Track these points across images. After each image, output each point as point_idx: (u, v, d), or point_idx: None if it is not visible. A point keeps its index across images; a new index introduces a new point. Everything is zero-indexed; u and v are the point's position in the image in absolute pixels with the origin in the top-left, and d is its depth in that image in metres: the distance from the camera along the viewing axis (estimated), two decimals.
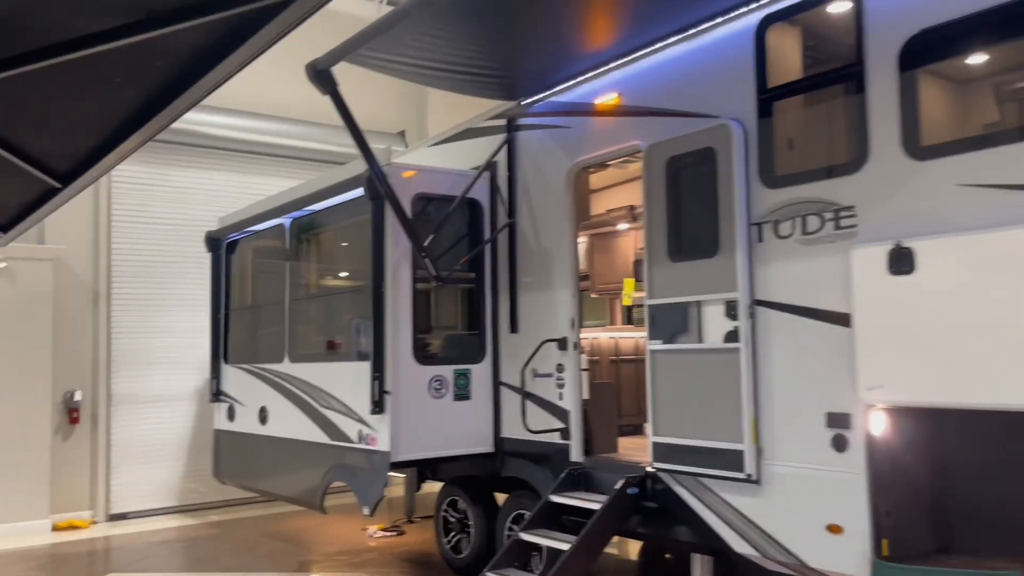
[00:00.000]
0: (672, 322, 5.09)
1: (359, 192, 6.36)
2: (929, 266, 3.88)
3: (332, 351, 7.04)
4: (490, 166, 6.57)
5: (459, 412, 6.40)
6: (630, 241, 7.87)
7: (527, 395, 6.29)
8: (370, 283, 6.16)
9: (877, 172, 4.19)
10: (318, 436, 6.91)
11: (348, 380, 6.55)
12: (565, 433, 5.93)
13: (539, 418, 6.11)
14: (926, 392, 3.88)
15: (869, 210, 4.21)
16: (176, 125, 9.77)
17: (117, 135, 3.42)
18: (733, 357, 4.72)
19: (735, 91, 4.85)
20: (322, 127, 10.89)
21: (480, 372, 6.54)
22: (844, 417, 4.25)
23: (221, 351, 8.74)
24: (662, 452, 5.12)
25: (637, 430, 7.04)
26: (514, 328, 6.44)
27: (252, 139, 10.60)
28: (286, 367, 7.48)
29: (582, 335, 6.11)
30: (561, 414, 5.97)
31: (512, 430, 6.41)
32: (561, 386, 5.99)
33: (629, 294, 7.59)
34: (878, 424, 4.15)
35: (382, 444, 6.10)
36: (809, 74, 4.69)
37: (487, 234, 6.66)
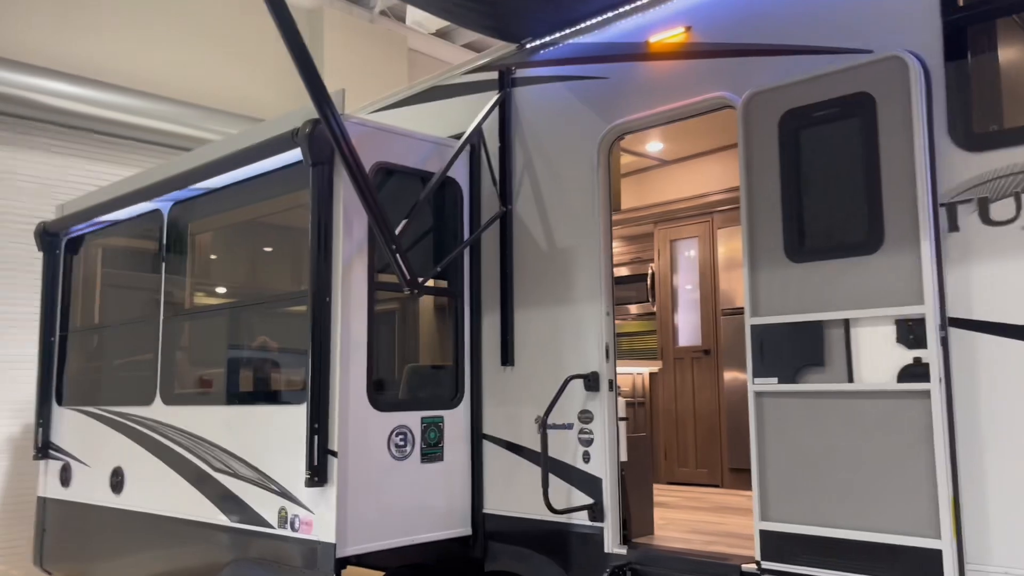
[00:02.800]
0: (794, 351, 3.43)
1: (292, 156, 4.36)
2: None
3: (236, 391, 4.89)
4: (472, 136, 4.74)
5: (427, 479, 4.45)
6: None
7: (524, 454, 4.45)
8: (309, 290, 4.14)
9: None
10: (209, 515, 4.73)
11: (264, 433, 4.45)
12: (595, 511, 4.12)
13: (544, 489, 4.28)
14: None
15: None
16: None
17: None
18: (916, 404, 3.11)
19: (905, 12, 3.32)
20: (198, 109, 8.65)
21: (455, 421, 4.63)
22: None
23: (52, 388, 6.30)
24: (779, 546, 3.42)
25: None
26: (506, 359, 4.59)
27: (105, 116, 8.13)
28: (157, 412, 5.24)
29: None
30: (587, 483, 4.17)
31: (501, 503, 4.53)
32: (588, 442, 4.19)
33: None
34: None
35: (322, 531, 4.05)
36: None
37: (467, 227, 4.80)
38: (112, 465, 5.55)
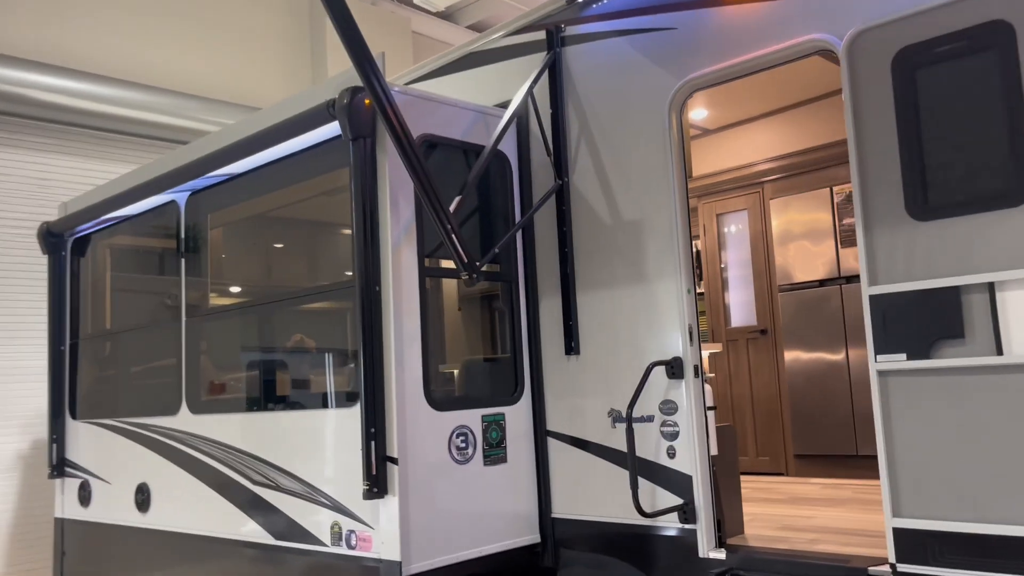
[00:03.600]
0: (926, 322, 3.00)
1: (327, 132, 3.91)
2: None
3: (274, 396, 4.45)
4: (521, 103, 4.28)
5: (491, 483, 4.02)
6: None
7: (595, 450, 4.02)
8: (356, 279, 3.69)
9: None
10: (250, 532, 4.29)
11: (310, 441, 4.01)
12: (687, 512, 3.69)
13: (619, 489, 3.86)
14: None
15: None
16: None
17: None
18: None
19: None
20: (200, 100, 8.19)
21: (517, 417, 4.20)
22: None
23: (65, 400, 5.85)
24: (918, 545, 2.99)
25: None
26: (571, 347, 4.15)
27: (105, 111, 7.68)
28: (184, 422, 4.79)
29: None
30: (674, 481, 3.74)
31: (571, 505, 4.11)
32: (672, 436, 3.76)
33: None
34: None
35: (384, 548, 3.61)
36: None
37: (517, 204, 4.36)
38: (136, 481, 5.11)
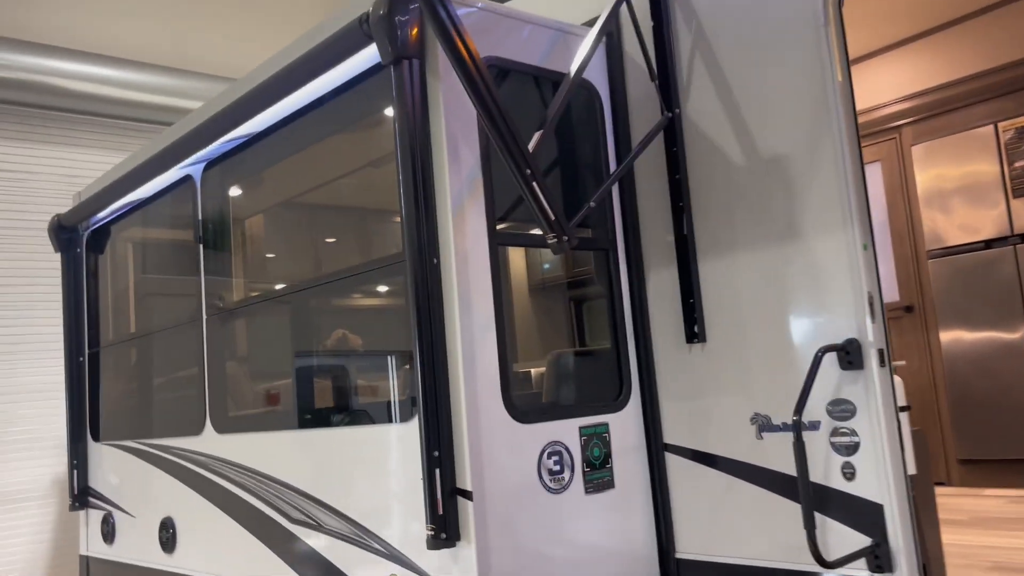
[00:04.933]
0: None
1: (363, 61, 2.98)
2: None
3: (310, 409, 3.53)
4: (610, 19, 3.27)
5: (595, 516, 3.03)
6: None
7: (731, 469, 3.00)
8: (406, 252, 2.73)
9: None
10: None
11: (356, 466, 3.07)
12: (879, 557, 2.63)
13: (771, 521, 2.83)
14: None
15: None
16: (5, 74, 6.11)
17: None
18: None
19: None
20: (229, 82, 7.39)
21: (623, 427, 3.20)
22: None
23: (86, 419, 5.06)
24: None
25: None
26: (694, 333, 3.13)
27: (139, 100, 6.95)
28: (209, 444, 3.92)
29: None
30: (855, 512, 2.68)
31: (701, 543, 3.09)
32: (849, 449, 2.70)
33: None
34: None
35: None
36: None
37: (611, 147, 3.36)
38: (160, 515, 4.27)
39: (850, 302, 2.71)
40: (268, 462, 3.51)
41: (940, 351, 4.94)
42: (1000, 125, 4.66)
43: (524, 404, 2.95)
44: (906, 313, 5.13)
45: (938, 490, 4.80)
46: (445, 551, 2.66)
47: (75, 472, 4.99)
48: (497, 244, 2.90)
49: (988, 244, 4.69)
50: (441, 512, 2.60)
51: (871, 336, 2.67)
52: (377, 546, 2.94)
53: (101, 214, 4.97)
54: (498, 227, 2.93)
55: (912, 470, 2.70)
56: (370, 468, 2.99)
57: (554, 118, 2.82)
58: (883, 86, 5.22)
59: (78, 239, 5.20)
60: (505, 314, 2.87)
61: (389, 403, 3.12)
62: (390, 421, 2.96)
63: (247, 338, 3.86)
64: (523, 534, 2.78)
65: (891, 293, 5.21)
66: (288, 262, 4.01)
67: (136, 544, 4.49)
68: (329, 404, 3.47)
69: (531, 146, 2.69)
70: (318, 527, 3.21)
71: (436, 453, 2.62)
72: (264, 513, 3.52)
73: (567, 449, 2.98)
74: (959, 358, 4.84)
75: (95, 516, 4.94)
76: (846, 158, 2.75)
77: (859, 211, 2.74)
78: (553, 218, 2.69)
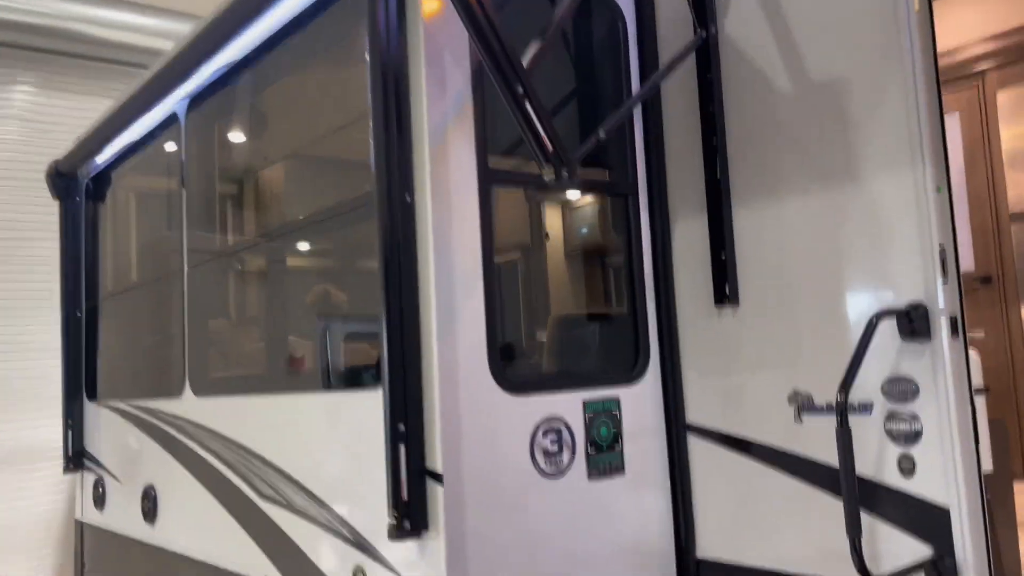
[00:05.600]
0: None
1: None
2: None
3: (283, 371, 3.15)
4: None
5: (600, 506, 2.58)
6: None
7: (766, 457, 2.51)
8: (377, 187, 2.29)
9: None
10: (257, 567, 3.02)
11: (327, 438, 2.68)
12: (940, 573, 2.12)
13: (811, 520, 2.35)
14: None
15: None
16: (34, 20, 5.86)
17: None
18: None
19: None
20: None
21: (638, 404, 2.72)
22: None
23: (81, 377, 4.79)
24: None
25: None
26: (724, 294, 2.63)
27: (150, 46, 6.66)
28: (188, 407, 3.57)
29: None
30: (913, 515, 2.18)
31: (727, 543, 2.62)
32: (908, 438, 2.19)
33: None
34: None
35: None
36: None
37: (635, 74, 2.86)
38: (143, 483, 3.96)
39: (916, 257, 2.18)
40: (241, 430, 3.14)
41: (1021, 329, 4.32)
42: None
43: (518, 372, 2.51)
44: (982, 285, 4.51)
45: (1017, 489, 4.21)
46: (411, 542, 2.24)
47: (70, 432, 4.74)
48: (490, 182, 2.45)
49: None
50: (406, 497, 2.18)
51: (941, 300, 2.14)
52: (342, 530, 2.54)
53: (98, 160, 4.66)
54: (493, 165, 2.48)
55: (987, 467, 2.17)
56: (337, 438, 2.59)
57: (557, 27, 2.34)
58: (965, 24, 4.56)
59: (77, 187, 4.90)
60: (494, 267, 2.42)
61: (356, 367, 2.71)
62: (355, 387, 2.55)
63: (223, 290, 3.49)
64: (507, 524, 2.34)
65: (966, 262, 4.59)
66: (272, 209, 3.61)
67: (122, 511, 4.20)
68: (298, 367, 3.07)
69: (526, 61, 2.22)
70: (286, 504, 2.83)
71: (401, 427, 2.19)
72: (237, 487, 3.15)
73: (568, 427, 2.53)
74: None
75: (87, 481, 4.69)
76: (919, 89, 2.21)
77: (933, 147, 2.21)
78: (549, 145, 2.22)
